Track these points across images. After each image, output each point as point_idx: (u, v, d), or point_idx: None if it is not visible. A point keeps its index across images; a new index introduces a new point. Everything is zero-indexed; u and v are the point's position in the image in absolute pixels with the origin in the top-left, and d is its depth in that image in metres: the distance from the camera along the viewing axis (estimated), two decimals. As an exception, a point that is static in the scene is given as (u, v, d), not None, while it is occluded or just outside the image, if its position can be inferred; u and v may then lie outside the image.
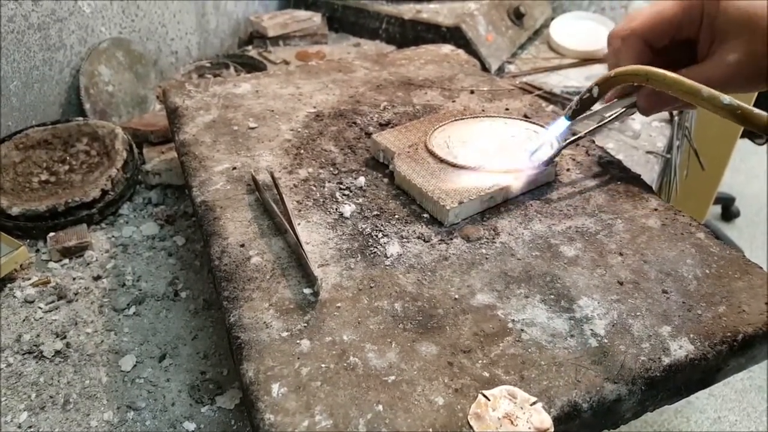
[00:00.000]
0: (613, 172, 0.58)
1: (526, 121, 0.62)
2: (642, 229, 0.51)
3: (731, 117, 0.36)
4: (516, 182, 0.53)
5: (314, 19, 1.13)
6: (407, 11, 1.08)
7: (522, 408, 0.35)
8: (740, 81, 0.43)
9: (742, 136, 1.56)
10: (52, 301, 0.59)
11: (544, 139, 0.55)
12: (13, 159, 0.73)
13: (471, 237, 0.50)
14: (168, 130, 0.76)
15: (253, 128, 0.65)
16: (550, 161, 0.55)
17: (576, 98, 0.50)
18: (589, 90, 0.47)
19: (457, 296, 0.44)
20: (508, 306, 0.43)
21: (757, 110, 0.35)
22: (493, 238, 0.50)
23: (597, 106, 0.51)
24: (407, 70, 0.80)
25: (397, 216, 0.52)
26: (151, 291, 0.61)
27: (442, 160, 0.55)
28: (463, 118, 0.62)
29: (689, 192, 1.32)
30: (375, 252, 0.48)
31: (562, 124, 0.53)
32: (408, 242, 0.49)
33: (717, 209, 2.24)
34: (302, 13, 1.14)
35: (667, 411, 1.51)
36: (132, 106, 0.91)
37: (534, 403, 0.36)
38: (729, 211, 2.22)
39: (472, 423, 0.35)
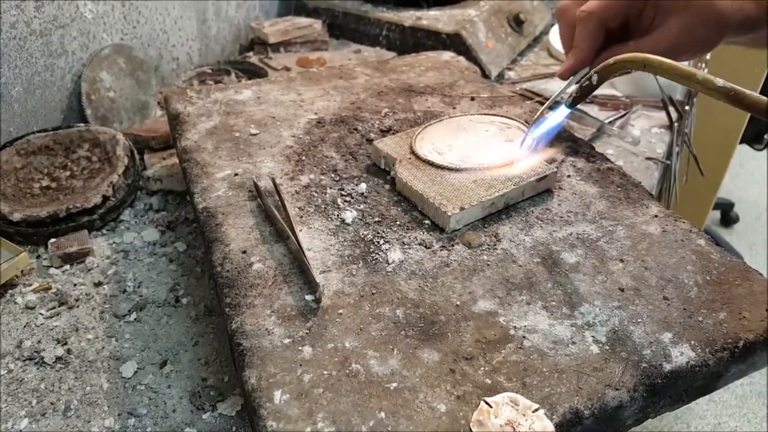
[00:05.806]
0: (613, 179, 0.58)
1: (489, 114, 0.64)
2: (643, 236, 0.51)
3: (725, 99, 0.37)
4: (517, 171, 0.55)
5: (315, 25, 1.13)
6: (407, 18, 1.09)
7: (524, 415, 0.36)
8: (683, 48, 0.51)
9: (741, 142, 1.57)
10: (53, 307, 0.59)
11: (547, 126, 0.59)
12: (14, 165, 0.73)
13: (472, 243, 0.50)
14: (169, 136, 0.77)
15: (254, 135, 0.65)
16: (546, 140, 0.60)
17: (576, 86, 0.52)
18: (589, 78, 0.50)
19: (458, 303, 0.44)
20: (509, 313, 0.43)
21: (751, 92, 0.36)
22: (495, 245, 0.50)
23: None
24: (408, 76, 0.80)
25: (398, 222, 0.52)
26: (152, 297, 0.61)
27: (442, 167, 0.55)
28: (431, 124, 0.63)
29: (689, 198, 1.32)
30: (377, 258, 0.48)
31: (563, 111, 0.57)
32: (409, 249, 0.49)
33: (716, 214, 2.24)
34: (303, 20, 1.15)
35: (667, 417, 1.51)
36: (133, 112, 0.91)
37: (536, 410, 0.36)
38: (728, 217, 2.22)
39: (474, 430, 0.35)
